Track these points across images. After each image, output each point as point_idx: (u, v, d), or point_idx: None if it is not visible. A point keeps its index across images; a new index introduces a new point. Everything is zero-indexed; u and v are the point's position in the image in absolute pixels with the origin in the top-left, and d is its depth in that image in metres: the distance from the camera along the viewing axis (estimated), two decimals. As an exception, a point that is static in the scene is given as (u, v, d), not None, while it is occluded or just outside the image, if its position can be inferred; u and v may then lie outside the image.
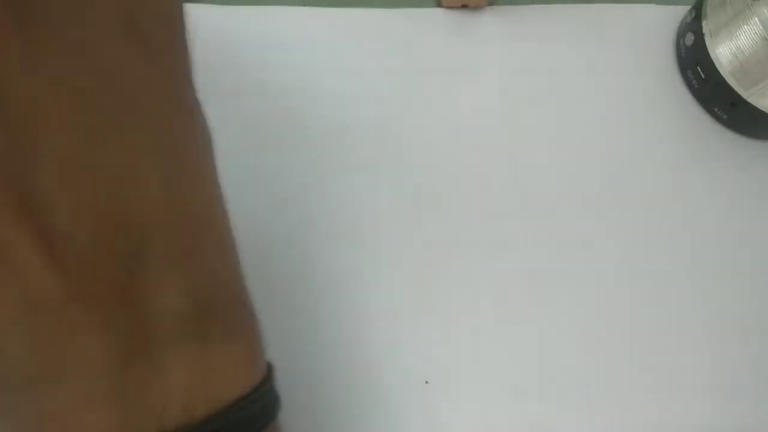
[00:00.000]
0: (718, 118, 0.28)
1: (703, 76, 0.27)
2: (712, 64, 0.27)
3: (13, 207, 0.12)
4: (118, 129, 0.14)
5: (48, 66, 0.13)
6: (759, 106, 0.26)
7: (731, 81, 0.26)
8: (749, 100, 0.26)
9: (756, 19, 0.24)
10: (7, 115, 0.12)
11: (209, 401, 0.15)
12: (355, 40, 0.29)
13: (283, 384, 0.24)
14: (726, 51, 0.26)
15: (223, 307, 0.16)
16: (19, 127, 0.12)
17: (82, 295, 0.13)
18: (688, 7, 0.29)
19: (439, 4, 0.29)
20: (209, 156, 0.16)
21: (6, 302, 0.13)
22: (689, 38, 0.28)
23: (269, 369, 0.18)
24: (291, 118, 0.27)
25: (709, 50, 0.27)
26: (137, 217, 0.14)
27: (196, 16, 0.30)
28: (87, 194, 0.13)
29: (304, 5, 0.29)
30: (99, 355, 0.13)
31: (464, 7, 0.29)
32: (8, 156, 0.12)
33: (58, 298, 0.13)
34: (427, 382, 0.24)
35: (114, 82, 0.14)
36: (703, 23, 0.27)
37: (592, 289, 0.26)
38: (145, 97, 0.14)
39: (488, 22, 0.29)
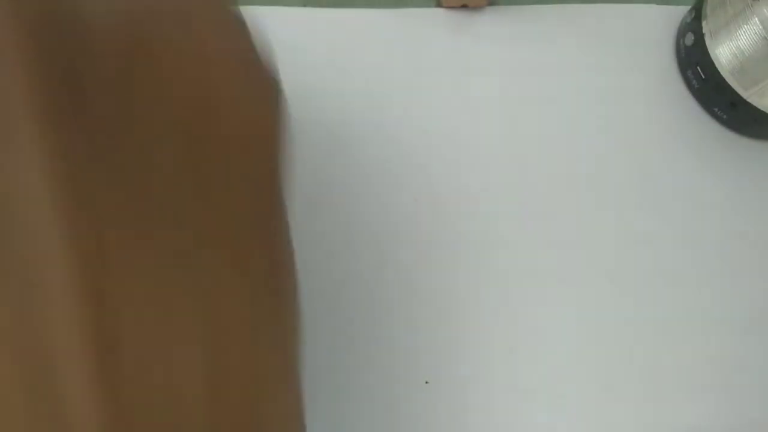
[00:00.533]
0: (718, 118, 0.28)
1: (703, 76, 0.27)
2: (712, 64, 0.27)
3: (13, 354, 0.10)
4: (152, 282, 0.10)
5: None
6: (759, 106, 0.26)
7: (731, 81, 0.26)
8: (749, 100, 0.26)
9: (756, 19, 0.24)
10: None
11: None
12: (355, 40, 0.29)
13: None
14: (726, 51, 0.26)
15: None
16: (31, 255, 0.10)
17: None
18: (688, 7, 0.29)
19: (439, 4, 0.29)
20: (288, 353, 0.13)
21: None
22: (689, 38, 0.28)
23: None
24: (290, 117, 0.27)
25: (709, 50, 0.27)
26: (169, 412, 0.10)
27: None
28: (104, 369, 0.10)
29: (304, 5, 0.29)
30: None
31: (464, 7, 0.29)
32: (22, 303, 0.10)
33: None
34: (427, 382, 0.24)
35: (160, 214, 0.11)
36: (703, 23, 0.27)
37: (592, 288, 0.26)
38: (199, 251, 0.11)
39: (488, 22, 0.29)
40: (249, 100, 0.13)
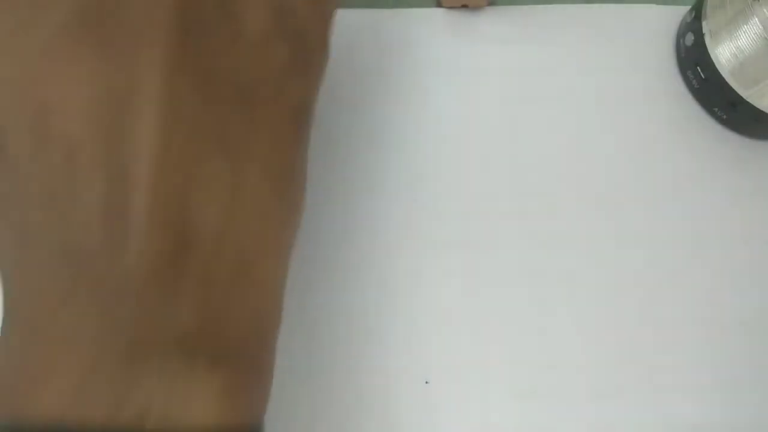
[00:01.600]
0: (718, 118, 0.28)
1: (703, 76, 0.27)
2: (712, 64, 0.27)
3: (100, 162, 0.14)
4: (219, 154, 0.15)
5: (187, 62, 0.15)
6: (759, 106, 0.26)
7: (731, 81, 0.26)
8: (749, 100, 0.26)
9: (756, 19, 0.24)
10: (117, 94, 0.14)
11: (164, 419, 0.15)
12: (355, 40, 0.29)
13: (281, 383, 0.24)
14: (726, 51, 0.26)
15: (223, 342, 0.16)
16: (126, 107, 0.14)
17: (112, 266, 0.14)
18: (688, 7, 0.29)
19: (439, 4, 0.29)
20: (292, 222, 0.18)
21: (49, 232, 0.14)
22: (689, 38, 0.28)
23: (254, 428, 0.17)
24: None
25: (709, 50, 0.27)
26: (190, 222, 0.15)
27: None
28: (161, 181, 0.14)
29: (304, 5, 0.29)
30: (87, 326, 0.14)
31: (464, 7, 0.29)
32: (112, 129, 0.14)
33: (90, 253, 0.14)
34: (427, 382, 0.24)
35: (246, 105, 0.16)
36: (703, 23, 0.27)
37: (592, 288, 0.26)
38: (261, 137, 0.16)
39: (488, 22, 0.29)
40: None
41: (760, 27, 0.24)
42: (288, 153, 0.17)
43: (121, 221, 0.14)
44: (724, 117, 0.28)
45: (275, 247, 0.17)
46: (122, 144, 0.14)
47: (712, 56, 0.27)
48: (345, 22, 0.29)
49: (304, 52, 0.18)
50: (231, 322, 0.16)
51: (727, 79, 0.26)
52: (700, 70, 0.27)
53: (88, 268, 0.14)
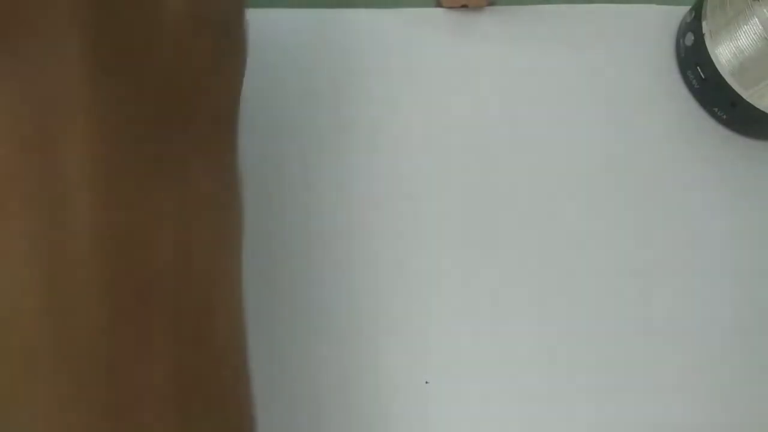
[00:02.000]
0: (718, 118, 0.28)
1: (703, 76, 0.27)
2: (712, 64, 0.27)
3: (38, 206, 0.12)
4: (159, 173, 0.14)
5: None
6: (759, 106, 0.26)
7: (731, 81, 0.26)
8: (749, 100, 0.26)
9: (756, 19, 0.24)
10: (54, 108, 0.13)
11: None
12: (355, 40, 0.29)
13: (281, 383, 0.24)
14: (726, 51, 0.26)
15: (208, 387, 0.15)
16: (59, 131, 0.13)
17: (68, 329, 0.13)
18: (688, 7, 0.29)
19: (439, 4, 0.29)
20: (238, 236, 0.17)
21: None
22: (689, 38, 0.28)
23: None
24: (290, 118, 0.27)
25: (709, 50, 0.27)
26: (145, 259, 0.13)
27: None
28: (106, 222, 0.13)
29: (304, 6, 0.29)
30: (59, 395, 0.13)
31: (464, 7, 0.29)
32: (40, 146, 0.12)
33: (34, 318, 0.12)
34: (427, 382, 0.24)
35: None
36: (703, 23, 0.27)
37: (592, 288, 0.26)
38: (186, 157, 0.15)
39: (488, 22, 0.29)
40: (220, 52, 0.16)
41: (760, 27, 0.24)
42: (226, 150, 0.17)
43: (68, 274, 0.12)
44: (724, 117, 0.28)
45: (233, 256, 0.16)
46: (56, 181, 0.12)
47: (712, 56, 0.27)
48: (345, 22, 0.29)
49: (227, 43, 0.17)
50: (211, 361, 0.15)
51: (727, 79, 0.26)
52: (700, 70, 0.27)
53: (38, 334, 0.12)
